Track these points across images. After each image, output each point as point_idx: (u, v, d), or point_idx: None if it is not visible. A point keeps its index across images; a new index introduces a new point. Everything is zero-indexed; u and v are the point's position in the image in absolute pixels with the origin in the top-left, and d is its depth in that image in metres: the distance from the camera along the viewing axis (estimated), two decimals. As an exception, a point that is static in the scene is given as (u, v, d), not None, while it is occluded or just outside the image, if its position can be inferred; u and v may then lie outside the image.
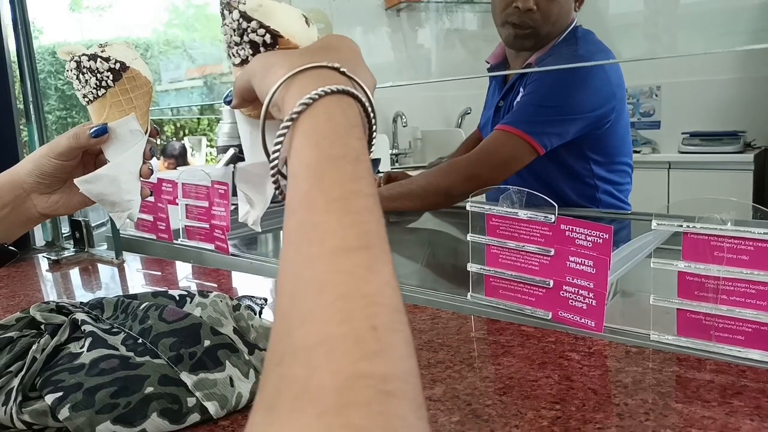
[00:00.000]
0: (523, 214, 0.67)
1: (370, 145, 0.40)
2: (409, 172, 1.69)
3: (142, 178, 0.67)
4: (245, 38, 0.44)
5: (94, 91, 0.63)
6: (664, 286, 0.60)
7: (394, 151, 3.05)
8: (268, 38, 0.43)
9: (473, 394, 0.53)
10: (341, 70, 0.38)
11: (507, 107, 1.34)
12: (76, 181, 0.63)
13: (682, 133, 2.88)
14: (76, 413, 0.47)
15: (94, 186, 0.64)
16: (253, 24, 0.43)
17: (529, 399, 0.51)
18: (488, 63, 1.45)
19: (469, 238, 0.72)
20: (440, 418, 0.49)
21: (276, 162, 0.39)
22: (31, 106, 1.26)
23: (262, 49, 0.44)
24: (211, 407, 0.50)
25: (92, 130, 0.63)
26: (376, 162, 2.39)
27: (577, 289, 0.64)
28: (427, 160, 2.98)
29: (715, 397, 0.50)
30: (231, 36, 0.45)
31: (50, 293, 0.98)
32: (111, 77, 0.62)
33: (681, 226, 0.58)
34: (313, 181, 0.31)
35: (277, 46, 0.44)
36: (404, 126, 3.08)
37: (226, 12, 0.45)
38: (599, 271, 0.61)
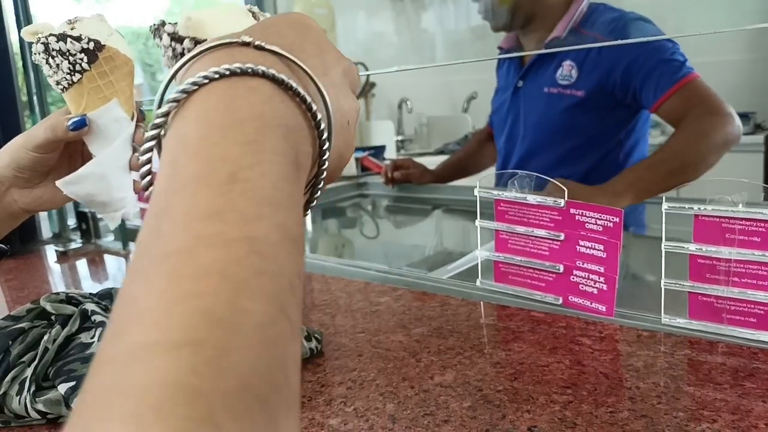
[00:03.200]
0: (532, 198, 0.66)
1: (321, 145, 0.27)
2: (415, 159, 1.69)
3: (132, 171, 0.59)
4: None
5: (68, 76, 0.55)
6: (675, 269, 0.60)
7: (399, 138, 3.04)
8: None
9: (484, 380, 0.52)
10: (256, 43, 0.26)
11: (538, 84, 1.32)
12: (58, 183, 0.56)
13: (691, 115, 2.84)
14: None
15: (79, 187, 0.56)
16: (187, 43, 0.37)
17: (541, 384, 0.51)
18: (500, 48, 1.44)
19: (477, 224, 0.72)
20: (452, 404, 0.49)
21: (148, 190, 0.26)
22: (34, 98, 1.26)
23: None
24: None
25: (70, 123, 0.55)
26: (381, 149, 2.38)
27: (587, 274, 0.63)
28: (433, 146, 2.97)
29: (727, 379, 0.50)
30: (170, 65, 0.38)
31: (58, 285, 0.98)
32: (85, 59, 0.54)
33: (692, 208, 0.58)
34: (152, 224, 0.20)
35: None
36: (409, 112, 3.06)
37: (157, 40, 0.39)
38: (610, 255, 0.61)
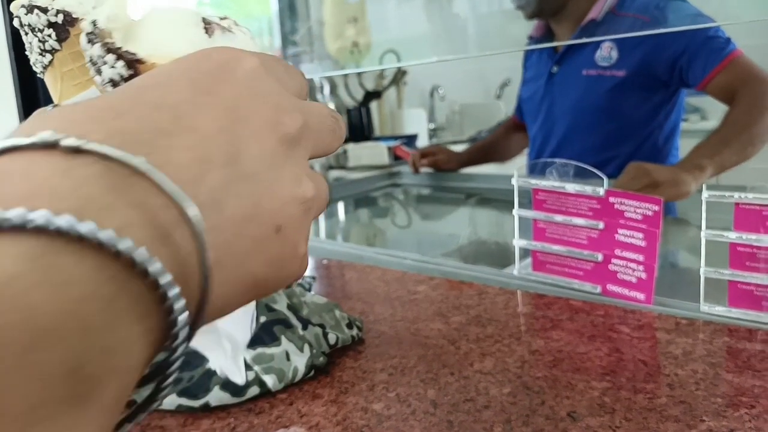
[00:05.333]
0: (570, 187, 0.67)
1: (172, 324, 0.17)
2: (449, 147, 1.70)
3: None
4: (103, 75, 0.27)
5: (39, 57, 0.45)
6: (713, 255, 0.60)
7: (431, 126, 3.04)
8: (122, 69, 0.26)
9: (523, 367, 0.54)
10: (65, 144, 0.15)
11: (575, 67, 1.32)
12: None
13: (731, 98, 2.77)
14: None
15: None
16: (97, 49, 0.27)
17: (579, 371, 0.52)
18: (531, 38, 1.44)
19: (515, 212, 0.72)
20: (491, 391, 0.50)
21: None
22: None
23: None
24: (269, 380, 0.53)
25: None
26: (413, 138, 2.39)
27: (626, 263, 0.64)
28: (466, 134, 2.96)
29: (766, 366, 0.50)
30: (90, 69, 0.29)
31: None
32: (54, 36, 0.43)
33: (732, 196, 0.58)
34: None
35: None
36: (442, 100, 3.06)
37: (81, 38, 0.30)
38: (649, 244, 0.61)
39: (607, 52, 1.27)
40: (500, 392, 0.50)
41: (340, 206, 1.58)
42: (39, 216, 0.13)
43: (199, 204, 0.17)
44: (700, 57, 1.17)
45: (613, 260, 0.65)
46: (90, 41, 0.26)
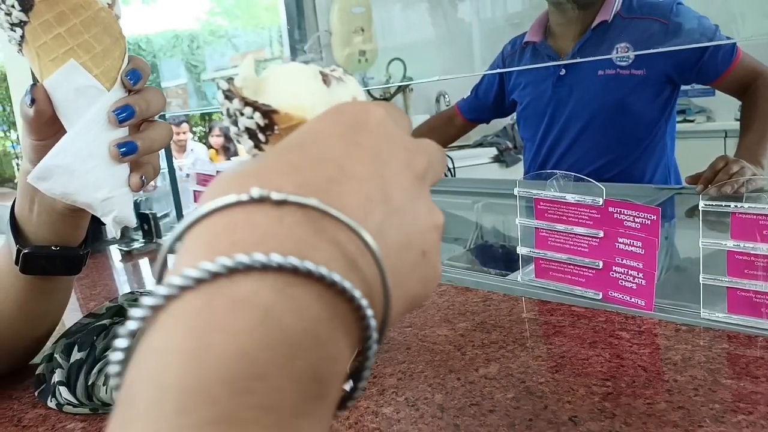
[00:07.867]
0: (570, 197, 0.69)
1: (365, 327, 0.20)
2: (454, 152, 1.72)
3: (123, 160, 0.46)
4: (240, 126, 0.31)
5: (11, 33, 0.42)
6: (715, 263, 0.61)
7: (438, 131, 3.06)
8: (259, 119, 0.29)
9: (527, 372, 0.56)
10: (274, 198, 0.19)
11: (589, 68, 1.35)
12: (28, 179, 0.46)
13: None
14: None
15: (52, 184, 0.44)
16: (236, 103, 0.30)
17: (581, 376, 0.54)
18: (528, 43, 1.46)
19: (518, 222, 0.74)
20: (496, 395, 0.52)
21: None
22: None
23: (261, 137, 0.30)
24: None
25: (24, 96, 0.44)
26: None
27: (626, 270, 0.65)
28: (472, 138, 2.98)
29: (764, 373, 0.52)
30: (230, 127, 0.32)
31: (124, 282, 1.05)
32: (16, 6, 0.41)
33: (729, 206, 0.59)
34: None
35: (277, 128, 0.29)
36: (447, 105, 3.07)
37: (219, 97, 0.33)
38: (648, 252, 0.63)
39: (624, 52, 1.30)
40: (504, 397, 0.52)
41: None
42: (274, 260, 0.17)
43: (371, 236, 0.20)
44: (715, 56, 1.24)
45: (614, 268, 0.67)
46: (227, 97, 0.30)
